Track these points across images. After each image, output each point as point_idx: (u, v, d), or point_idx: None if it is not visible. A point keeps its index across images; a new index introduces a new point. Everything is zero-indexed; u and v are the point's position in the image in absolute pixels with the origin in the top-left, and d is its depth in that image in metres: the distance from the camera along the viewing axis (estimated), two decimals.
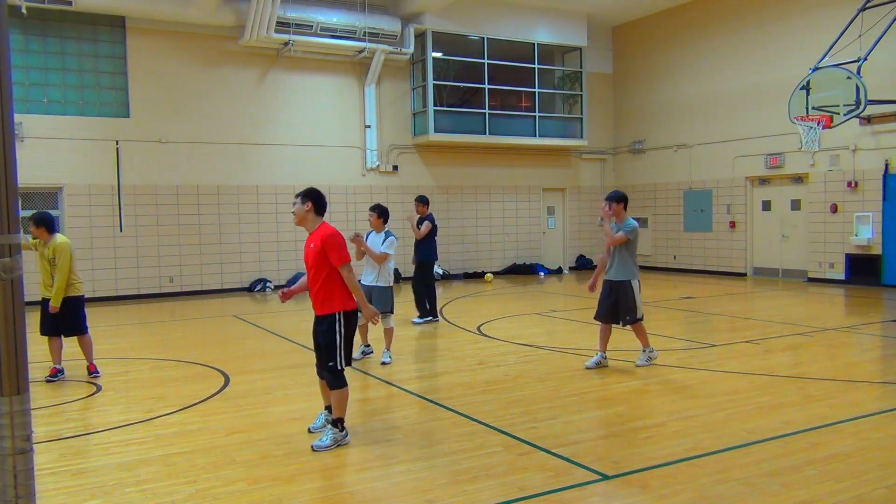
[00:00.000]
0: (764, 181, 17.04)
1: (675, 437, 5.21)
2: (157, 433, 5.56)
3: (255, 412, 6.12)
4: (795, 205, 16.45)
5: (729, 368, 7.56)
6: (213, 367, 7.92)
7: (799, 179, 16.25)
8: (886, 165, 14.42)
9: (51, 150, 14.10)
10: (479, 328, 10.40)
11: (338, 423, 5.10)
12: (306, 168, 16.60)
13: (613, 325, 7.57)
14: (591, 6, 18.67)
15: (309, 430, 5.43)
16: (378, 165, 17.48)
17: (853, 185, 14.96)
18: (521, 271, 19.20)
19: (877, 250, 14.69)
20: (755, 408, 6.13)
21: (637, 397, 6.38)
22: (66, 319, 7.45)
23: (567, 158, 20.14)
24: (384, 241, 8.15)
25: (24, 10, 13.34)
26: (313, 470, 4.67)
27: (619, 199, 7.50)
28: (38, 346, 9.28)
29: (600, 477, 4.47)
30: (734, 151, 17.38)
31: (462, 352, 8.70)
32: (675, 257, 19.13)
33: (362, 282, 8.03)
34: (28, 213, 13.72)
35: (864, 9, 12.83)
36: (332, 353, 5.10)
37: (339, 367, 5.12)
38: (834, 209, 15.35)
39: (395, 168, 17.75)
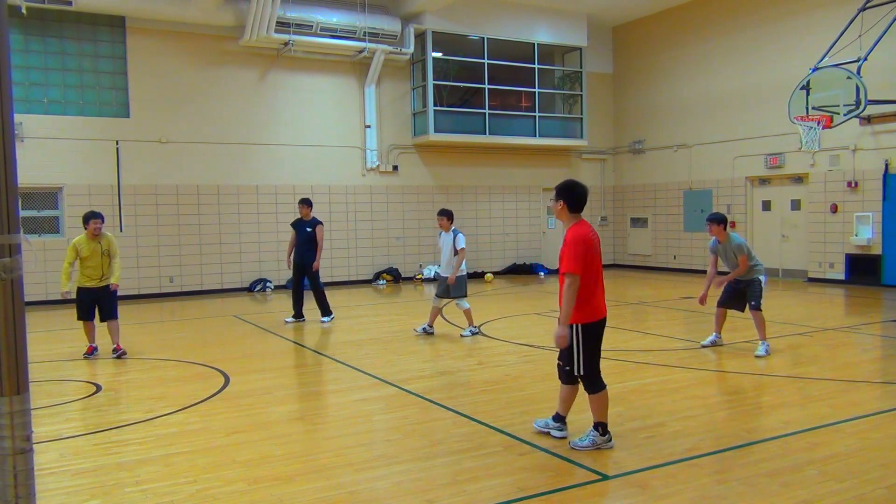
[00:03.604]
0: (764, 181, 17.04)
1: (675, 437, 5.21)
2: (157, 433, 5.56)
3: (255, 412, 6.12)
4: (795, 205, 16.45)
5: (729, 368, 7.57)
6: (213, 367, 7.92)
7: (799, 179, 16.25)
8: (886, 165, 14.42)
9: (51, 150, 14.10)
10: (479, 328, 10.40)
11: (598, 426, 4.97)
12: (306, 168, 16.61)
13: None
14: (591, 6, 18.67)
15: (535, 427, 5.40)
16: (378, 165, 17.48)
17: (853, 185, 14.96)
18: (521, 271, 19.20)
19: (877, 250, 14.68)
20: (755, 408, 6.14)
21: (637, 397, 6.37)
22: (109, 304, 8.67)
23: (567, 158, 20.13)
24: (454, 238, 9.59)
25: (24, 10, 13.34)
26: (313, 470, 4.67)
27: (718, 221, 8.26)
28: (38, 346, 9.30)
29: (600, 477, 4.47)
30: (734, 151, 17.38)
31: (462, 352, 8.70)
32: (675, 257, 19.14)
33: (440, 273, 9.92)
34: (28, 213, 13.84)
35: (864, 9, 12.82)
36: (570, 359, 5.02)
37: (576, 373, 5.01)
38: (834, 209, 15.35)
39: (395, 168, 17.75)
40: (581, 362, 4.96)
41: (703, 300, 8.36)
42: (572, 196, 5.00)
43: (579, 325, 4.92)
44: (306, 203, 11.40)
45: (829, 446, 4.98)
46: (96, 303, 8.63)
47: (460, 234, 9.72)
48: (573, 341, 4.95)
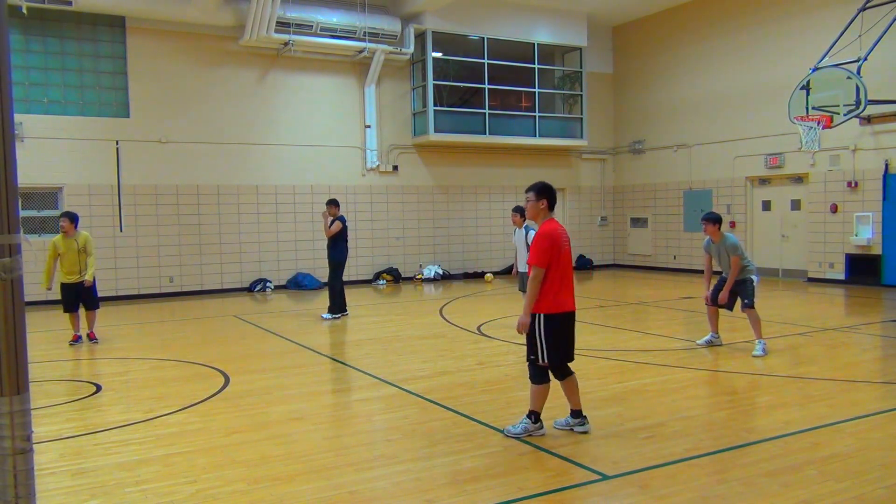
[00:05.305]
0: (764, 181, 17.04)
1: (675, 437, 5.21)
2: (157, 433, 5.56)
3: (255, 412, 6.12)
4: (795, 205, 16.45)
5: (729, 368, 7.57)
6: (213, 367, 7.92)
7: (799, 179, 16.25)
8: (886, 165, 14.42)
9: (51, 150, 14.09)
10: (479, 328, 10.40)
11: (531, 414, 5.23)
12: (306, 168, 16.61)
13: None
14: (591, 6, 18.67)
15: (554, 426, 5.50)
16: (378, 165, 17.48)
17: (853, 185, 14.96)
18: None
19: (877, 250, 14.68)
20: (755, 408, 6.14)
21: (637, 397, 6.37)
22: (92, 296, 9.64)
23: (567, 158, 20.14)
24: (526, 234, 9.92)
25: (24, 10, 13.34)
26: (313, 470, 4.67)
27: (713, 220, 8.30)
28: (38, 346, 9.31)
29: (600, 477, 4.47)
30: (734, 151, 17.38)
31: (462, 352, 8.70)
32: (675, 257, 19.14)
33: (518, 269, 10.24)
34: (28, 213, 13.86)
35: (864, 9, 12.82)
36: (532, 349, 5.23)
37: (541, 362, 5.21)
38: (834, 209, 15.35)
39: (395, 168, 17.75)
40: (545, 351, 5.18)
41: (708, 299, 8.51)
42: (552, 195, 5.39)
43: (542, 315, 5.16)
44: (331, 203, 11.76)
45: (829, 446, 4.98)
46: (78, 296, 9.54)
47: (533, 230, 9.82)
48: (536, 331, 5.18)
